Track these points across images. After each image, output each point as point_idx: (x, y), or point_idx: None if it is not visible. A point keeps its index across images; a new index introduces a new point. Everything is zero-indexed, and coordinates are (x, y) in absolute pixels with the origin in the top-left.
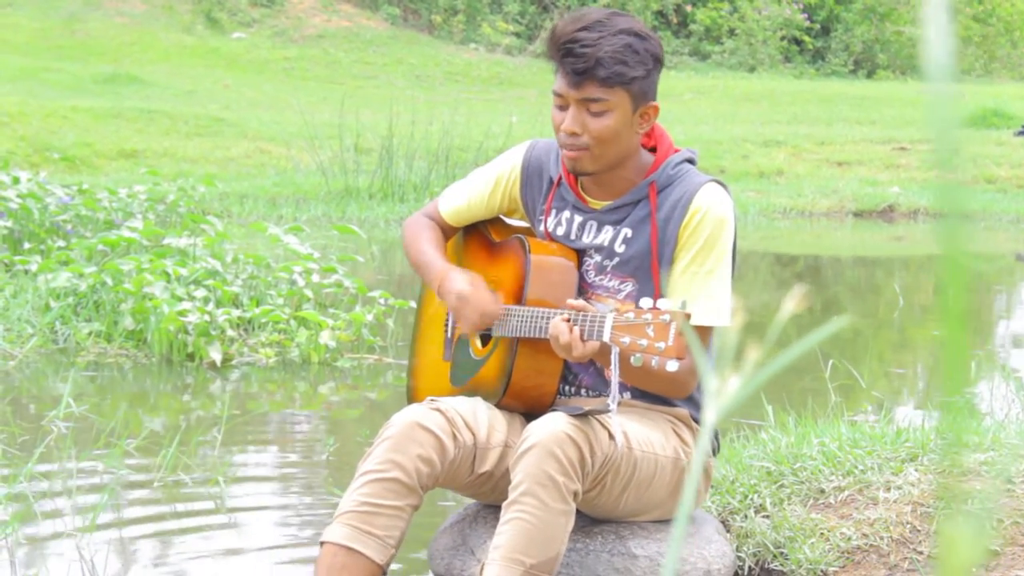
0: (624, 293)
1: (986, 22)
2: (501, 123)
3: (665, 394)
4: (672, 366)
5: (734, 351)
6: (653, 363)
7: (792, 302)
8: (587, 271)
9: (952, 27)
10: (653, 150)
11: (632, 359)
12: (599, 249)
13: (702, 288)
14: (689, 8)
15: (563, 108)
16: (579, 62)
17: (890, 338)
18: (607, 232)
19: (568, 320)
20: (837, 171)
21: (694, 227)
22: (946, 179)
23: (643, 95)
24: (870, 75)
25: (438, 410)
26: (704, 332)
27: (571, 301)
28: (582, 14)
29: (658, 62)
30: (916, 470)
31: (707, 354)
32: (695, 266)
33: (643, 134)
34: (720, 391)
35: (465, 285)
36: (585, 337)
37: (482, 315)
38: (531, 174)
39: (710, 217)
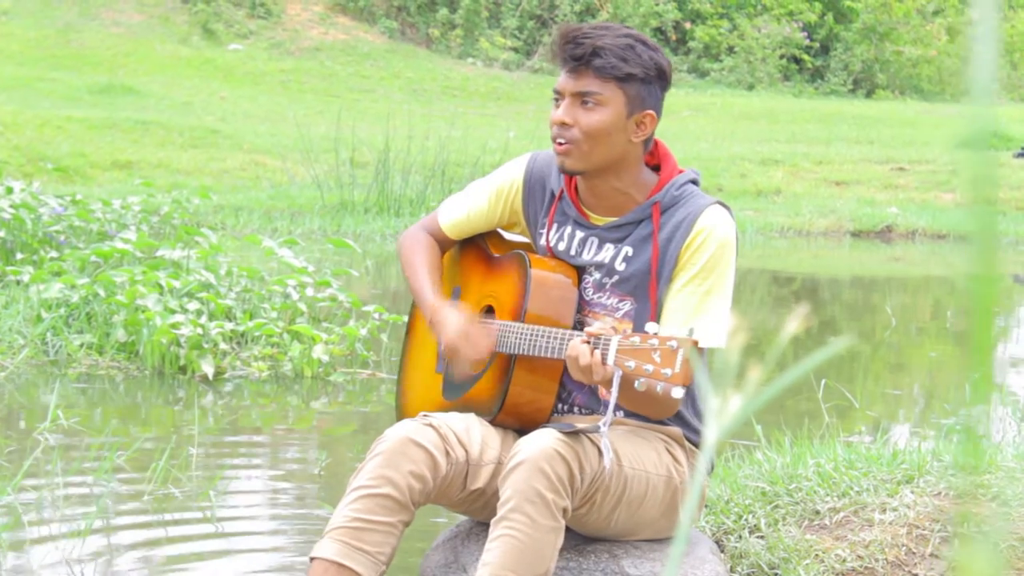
0: (622, 312)
1: None
2: (498, 138)
3: (652, 415)
4: (677, 393)
5: (734, 371)
6: (658, 389)
7: (795, 322)
8: (585, 288)
9: (995, 51)
10: (656, 169)
11: (636, 383)
12: (599, 267)
13: (699, 308)
14: (688, 25)
15: (557, 105)
16: (578, 49)
17: (886, 359)
18: (608, 250)
19: (588, 342)
20: (835, 190)
21: (696, 248)
22: (978, 202)
23: (639, 100)
24: (869, 94)
25: (431, 426)
26: (699, 353)
27: (589, 329)
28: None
29: (661, 73)
30: (912, 492)
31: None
32: (693, 286)
33: (643, 148)
34: (722, 411)
35: (457, 332)
36: None
37: (473, 365)
38: (533, 186)
39: (713, 239)
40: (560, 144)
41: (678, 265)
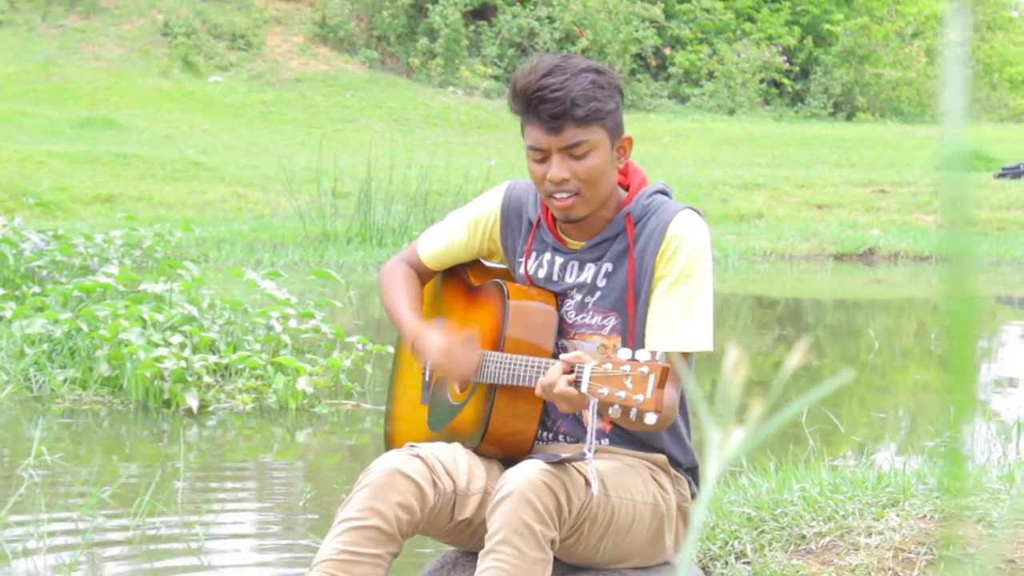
0: (608, 328)
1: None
2: (480, 166)
3: (646, 431)
4: (650, 419)
5: (734, 404)
6: (631, 415)
7: (796, 357)
8: (567, 312)
9: (968, 78)
10: (627, 189)
11: (610, 410)
12: (580, 287)
13: (682, 315)
14: (668, 51)
15: (542, 161)
16: (555, 106)
17: (871, 382)
18: (589, 269)
19: (570, 371)
20: (817, 214)
21: (670, 255)
22: (955, 224)
23: (617, 128)
24: (849, 117)
25: (418, 456)
26: (685, 358)
27: (565, 356)
28: (536, 64)
29: (621, 93)
30: (898, 515)
31: (686, 380)
32: (674, 293)
33: (620, 171)
34: (723, 444)
35: (440, 350)
36: None
37: (464, 370)
38: (510, 216)
39: (686, 244)
40: (561, 199)
41: (655, 274)
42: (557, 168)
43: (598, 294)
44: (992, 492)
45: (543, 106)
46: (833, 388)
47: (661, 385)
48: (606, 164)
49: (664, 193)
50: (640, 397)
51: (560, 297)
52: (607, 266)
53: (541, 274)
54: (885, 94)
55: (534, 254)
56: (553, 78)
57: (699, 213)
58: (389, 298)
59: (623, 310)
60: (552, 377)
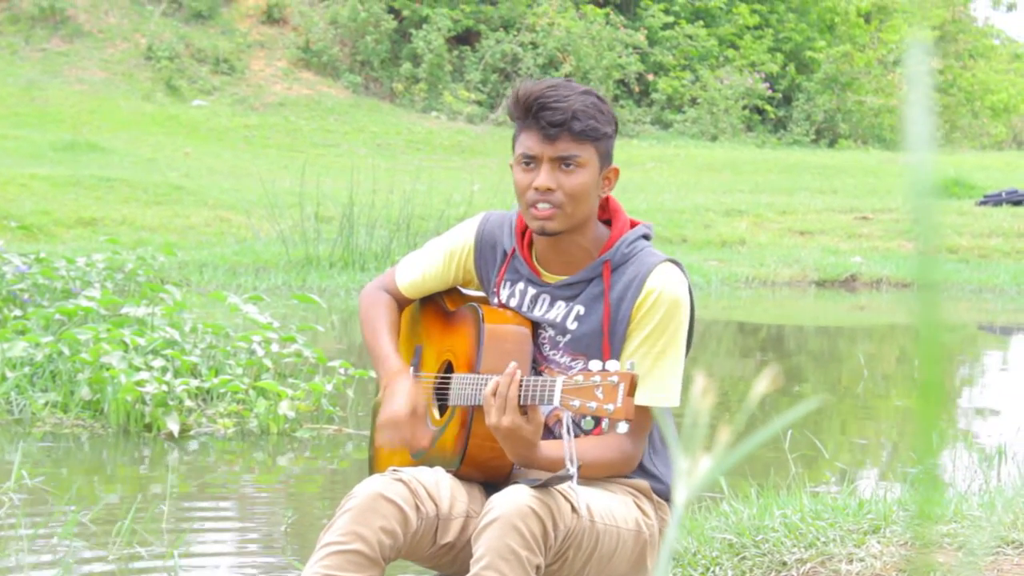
0: (575, 370)
1: (947, 92)
2: (463, 191)
3: (616, 474)
4: (622, 427)
5: (703, 429)
6: (603, 425)
7: (763, 384)
8: (542, 344)
9: (933, 104)
10: (608, 223)
11: (583, 422)
12: (552, 324)
13: (651, 369)
14: (651, 77)
15: (531, 169)
16: (556, 115)
17: (853, 408)
18: (560, 308)
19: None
20: (799, 240)
21: (648, 308)
22: (924, 251)
23: (608, 156)
24: (832, 144)
25: (401, 480)
26: (647, 412)
27: (508, 370)
28: (542, 79)
29: (617, 126)
30: (878, 542)
31: (649, 433)
32: (646, 347)
33: (599, 204)
34: (691, 471)
35: (391, 416)
36: (536, 402)
37: (401, 442)
38: (484, 247)
39: (664, 298)
40: (542, 209)
41: (631, 325)
42: (545, 177)
43: (569, 336)
44: (973, 519)
45: (544, 112)
46: (800, 415)
47: (631, 394)
48: (592, 185)
49: (646, 237)
50: (611, 406)
51: (535, 326)
52: (579, 308)
53: (512, 303)
54: (867, 121)
55: (507, 284)
56: (557, 91)
57: (680, 266)
58: (369, 330)
59: (593, 355)
60: (487, 388)
